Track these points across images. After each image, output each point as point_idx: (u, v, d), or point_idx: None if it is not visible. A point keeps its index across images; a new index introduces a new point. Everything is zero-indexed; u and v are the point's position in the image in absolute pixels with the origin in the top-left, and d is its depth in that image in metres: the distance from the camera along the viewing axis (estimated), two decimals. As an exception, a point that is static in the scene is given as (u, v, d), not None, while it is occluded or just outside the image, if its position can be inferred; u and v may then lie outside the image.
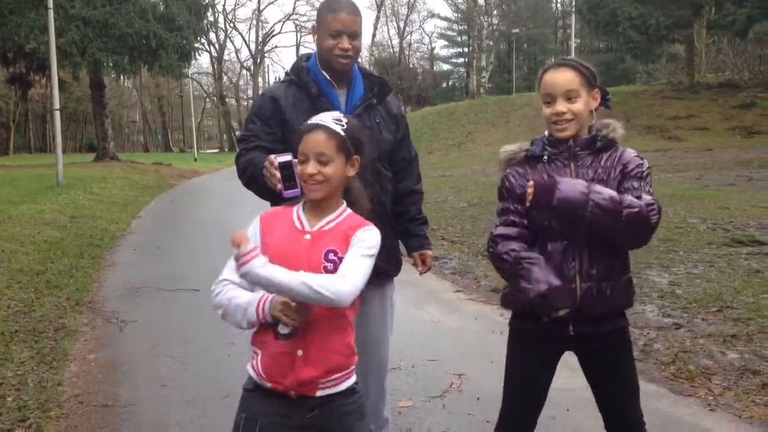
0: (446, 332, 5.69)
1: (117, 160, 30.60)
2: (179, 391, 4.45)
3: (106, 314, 6.37)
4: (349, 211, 2.25)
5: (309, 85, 2.92)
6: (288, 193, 2.39)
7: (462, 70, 70.89)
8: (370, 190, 2.97)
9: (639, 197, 2.32)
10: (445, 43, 74.74)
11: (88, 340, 5.61)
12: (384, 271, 3.07)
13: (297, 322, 2.04)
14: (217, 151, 72.39)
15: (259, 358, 2.14)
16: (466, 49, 66.51)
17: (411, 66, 73.69)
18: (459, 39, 70.19)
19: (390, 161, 3.09)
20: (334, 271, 2.10)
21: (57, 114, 18.69)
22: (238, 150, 3.01)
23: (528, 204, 2.37)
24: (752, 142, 24.14)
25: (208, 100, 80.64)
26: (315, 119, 2.22)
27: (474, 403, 4.12)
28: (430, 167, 22.57)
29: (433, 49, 78.96)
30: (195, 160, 43.77)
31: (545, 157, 2.47)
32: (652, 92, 33.73)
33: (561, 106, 2.40)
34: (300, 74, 2.97)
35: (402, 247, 3.27)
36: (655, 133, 28.05)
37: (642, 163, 2.43)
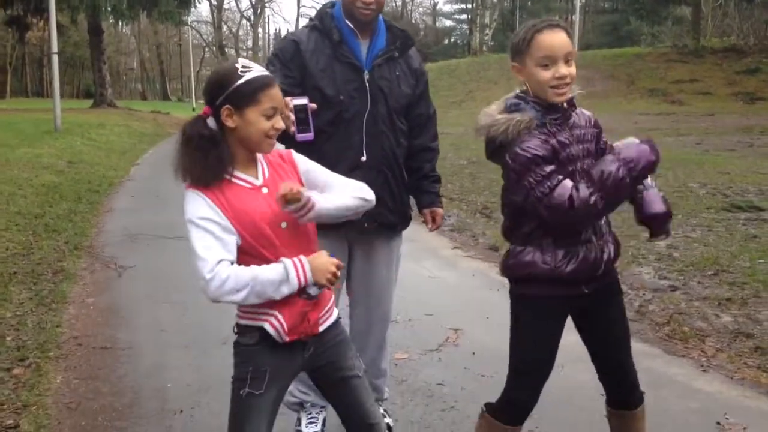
0: (443, 288, 5.73)
1: (114, 107, 30.41)
2: (177, 336, 4.49)
3: (105, 259, 6.39)
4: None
5: (332, 31, 2.88)
6: (301, 137, 2.37)
7: (465, 26, 69.98)
8: (384, 143, 2.96)
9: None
10: (449, -2, 73.77)
11: (86, 284, 5.64)
12: (392, 224, 3.08)
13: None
14: (215, 100, 71.76)
15: (281, 317, 2.08)
16: (469, 6, 65.52)
17: (413, 21, 72.78)
18: (463, -5, 69.22)
19: (407, 116, 3.06)
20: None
21: (55, 58, 18.50)
22: None
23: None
24: (755, 108, 24.07)
25: (207, 49, 79.73)
26: (261, 71, 2.09)
27: (469, 357, 4.17)
28: (430, 124, 22.30)
29: (435, 4, 78.09)
30: (193, 109, 43.45)
31: (548, 123, 2.35)
32: (656, 55, 33.44)
33: (564, 69, 2.30)
34: (324, 20, 2.93)
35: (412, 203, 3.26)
36: (658, 96, 27.91)
37: (596, 118, 2.50)
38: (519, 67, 2.40)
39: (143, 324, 4.74)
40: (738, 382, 3.82)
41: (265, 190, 2.10)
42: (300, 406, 3.22)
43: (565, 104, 2.36)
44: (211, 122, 2.07)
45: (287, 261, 2.02)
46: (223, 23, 73.11)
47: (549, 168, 2.31)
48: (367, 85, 2.89)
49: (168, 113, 32.38)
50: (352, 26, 2.90)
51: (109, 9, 28.60)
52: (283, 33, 78.71)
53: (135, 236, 7.32)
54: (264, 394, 2.13)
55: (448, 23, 75.80)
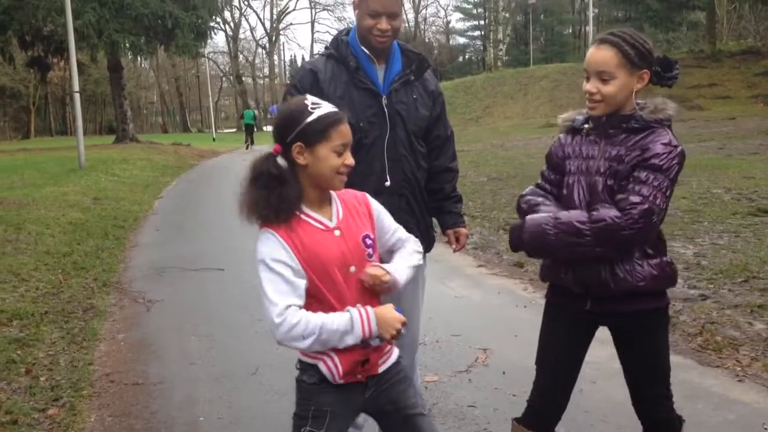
0: (470, 307, 5.71)
1: (137, 142, 30.76)
2: (207, 369, 4.51)
3: (133, 294, 6.45)
4: (333, 192, 2.19)
5: (348, 58, 2.92)
6: None
7: (478, 43, 70.25)
8: (405, 166, 2.98)
9: (622, 199, 2.27)
10: (461, 16, 74.10)
11: (116, 320, 5.69)
12: (417, 247, 3.08)
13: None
14: (234, 130, 72.44)
15: (337, 360, 2.08)
16: (482, 22, 65.76)
17: (427, 40, 73.13)
18: (475, 11, 69.49)
19: (425, 138, 3.08)
20: (373, 255, 2.14)
21: (77, 96, 18.77)
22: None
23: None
24: (776, 110, 23.77)
25: (224, 79, 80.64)
26: (331, 108, 2.10)
27: (500, 377, 4.14)
28: (449, 142, 22.30)
29: (448, 22, 78.44)
30: (213, 139, 43.91)
31: (584, 131, 2.47)
32: (672, 61, 33.23)
33: (590, 85, 2.36)
34: (339, 48, 2.96)
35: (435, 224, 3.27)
36: (677, 102, 27.53)
37: (669, 153, 2.27)
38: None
39: (173, 358, 4.77)
40: (775, 391, 3.76)
41: (337, 232, 2.10)
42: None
43: (604, 118, 2.39)
44: (281, 160, 2.06)
45: (354, 311, 2.01)
46: (239, 53, 73.94)
47: (545, 169, 2.57)
48: (385, 109, 2.91)
49: (189, 144, 32.72)
50: (367, 52, 2.93)
51: (127, 45, 29.05)
52: (299, 59, 79.59)
53: (162, 270, 7.38)
54: None
55: (462, 40, 76.17)
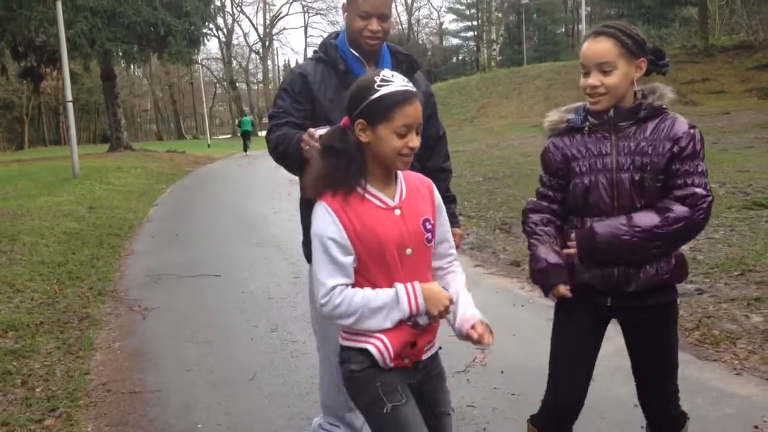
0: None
1: (131, 150, 30.72)
2: (205, 375, 4.49)
3: (129, 302, 6.42)
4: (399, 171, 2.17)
5: (337, 62, 2.92)
6: None
7: (472, 43, 70.33)
8: None
9: (687, 195, 2.27)
10: (454, 17, 73.99)
11: (112, 328, 5.67)
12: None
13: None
14: (229, 136, 72.38)
15: (387, 342, 2.05)
16: (475, 23, 65.89)
17: (420, 42, 73.17)
18: (468, 12, 69.46)
19: None
20: (432, 240, 2.12)
21: (70, 106, 18.75)
22: (269, 126, 3.01)
23: (577, 260, 2.41)
24: (769, 104, 23.81)
25: (218, 85, 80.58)
26: (401, 86, 2.02)
27: (498, 376, 4.12)
28: (444, 143, 22.30)
29: (441, 23, 78.47)
30: (208, 146, 43.83)
31: (586, 128, 2.41)
32: (665, 57, 33.29)
33: (593, 79, 2.32)
34: (328, 51, 2.96)
35: None
36: (670, 98, 27.71)
37: (694, 136, 2.32)
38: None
39: (170, 365, 4.75)
40: (773, 383, 3.75)
41: (398, 212, 2.08)
42: (331, 438, 3.20)
43: (611, 112, 2.35)
44: (351, 134, 2.06)
45: (400, 286, 2.02)
46: (232, 58, 73.90)
47: (546, 177, 2.53)
48: None
49: (183, 152, 32.67)
50: (357, 54, 2.92)
51: (120, 54, 29.04)
52: (293, 64, 79.47)
53: (157, 277, 7.36)
54: (408, 402, 2.08)
55: (455, 41, 76.13)
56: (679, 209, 2.27)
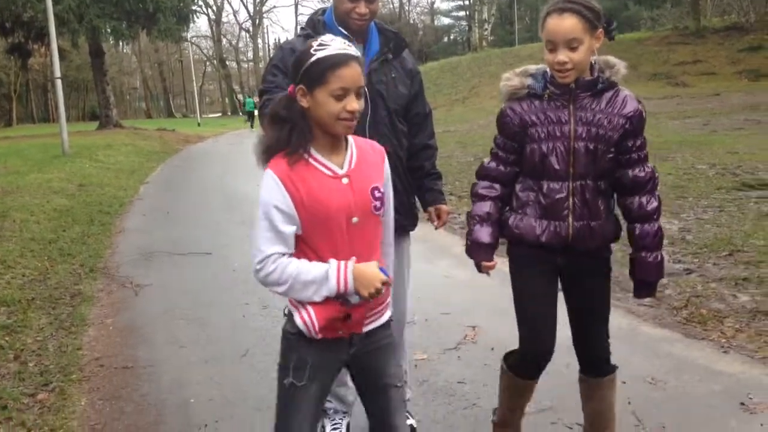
0: (458, 286, 5.73)
1: (121, 128, 30.55)
2: (197, 351, 4.51)
3: (121, 279, 6.43)
4: (349, 135, 2.14)
5: None
6: None
7: (463, 23, 69.97)
8: (388, 145, 2.98)
9: (647, 176, 2.54)
10: (446, -4, 73.67)
11: (104, 305, 5.67)
12: (401, 225, 3.09)
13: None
14: (219, 114, 72.09)
15: (312, 314, 2.05)
16: (466, 2, 65.50)
17: (411, 21, 72.79)
18: (459, -9, 69.12)
19: (405, 116, 3.08)
20: (381, 208, 2.11)
21: (58, 82, 18.58)
22: (261, 102, 3.01)
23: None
24: (760, 86, 23.91)
25: (208, 63, 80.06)
26: (337, 48, 2.00)
27: (488, 353, 4.17)
28: (435, 123, 22.27)
29: (433, 3, 77.94)
30: (198, 124, 43.65)
31: (546, 96, 2.49)
32: (657, 38, 33.30)
33: (562, 55, 2.37)
34: (316, 28, 2.95)
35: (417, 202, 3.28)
36: (662, 79, 27.77)
37: (643, 114, 2.51)
38: (542, 56, 2.51)
39: (162, 341, 4.77)
40: (759, 361, 3.81)
41: (345, 180, 2.05)
42: (323, 412, 3.24)
43: (573, 84, 2.43)
44: (296, 102, 2.04)
45: (333, 263, 2.01)
46: (222, 36, 73.36)
47: (501, 139, 2.63)
48: (365, 89, 2.90)
49: (173, 130, 32.51)
50: (345, 32, 2.92)
51: (108, 30, 28.75)
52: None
53: (149, 254, 7.36)
54: (306, 387, 2.11)
55: (447, 21, 75.76)
56: (646, 196, 2.56)
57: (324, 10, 3.04)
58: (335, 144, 2.08)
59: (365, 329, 2.15)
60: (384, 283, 2.00)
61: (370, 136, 2.91)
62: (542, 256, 2.58)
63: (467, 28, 63.45)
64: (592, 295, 2.66)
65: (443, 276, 5.98)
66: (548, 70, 2.49)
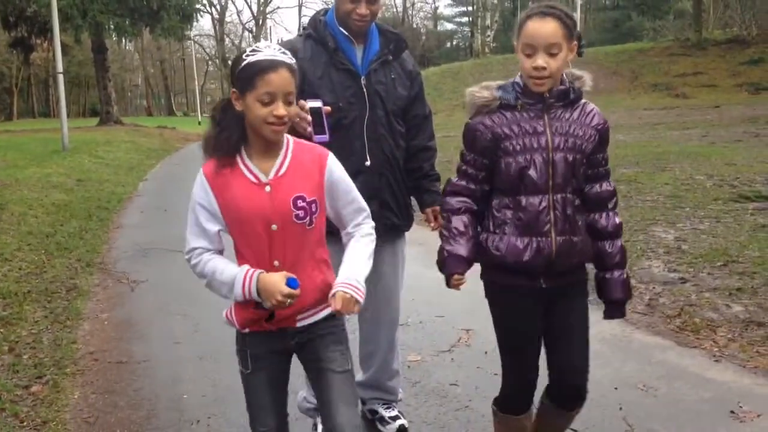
0: (453, 289, 5.74)
1: (121, 124, 30.57)
2: (191, 348, 4.53)
3: (117, 275, 6.44)
4: (292, 140, 2.16)
5: (326, 39, 2.93)
6: (317, 138, 2.45)
7: (466, 29, 69.96)
8: (385, 146, 3.00)
9: (611, 192, 2.51)
10: (449, 2, 73.96)
11: (100, 299, 5.69)
12: (396, 225, 3.11)
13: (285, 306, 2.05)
14: (220, 114, 71.84)
15: (233, 310, 2.19)
16: (470, 8, 65.56)
17: (414, 26, 72.81)
18: (463, -3, 69.19)
19: (404, 117, 3.10)
20: (305, 218, 2.08)
21: (60, 77, 18.59)
22: None
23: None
24: (760, 99, 24.00)
25: (210, 62, 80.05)
26: (267, 54, 2.02)
27: (482, 356, 4.18)
28: (435, 127, 22.26)
29: (436, 8, 78.13)
30: (199, 123, 43.61)
31: (519, 106, 2.38)
32: (659, 49, 33.39)
33: (542, 60, 2.28)
34: (318, 28, 2.97)
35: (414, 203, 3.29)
36: (662, 90, 27.87)
37: (608, 126, 2.48)
38: (516, 48, 2.38)
39: (157, 337, 4.78)
40: (750, 370, 3.83)
41: (268, 188, 2.07)
42: (315, 411, 3.25)
43: (547, 93, 2.35)
44: (228, 105, 2.10)
45: (241, 271, 2.06)
46: (225, 36, 73.35)
47: (470, 156, 2.48)
48: (364, 90, 2.93)
49: (174, 128, 32.54)
50: (346, 33, 2.94)
51: (112, 27, 28.83)
52: (285, 43, 78.83)
53: (146, 251, 7.38)
54: (253, 374, 2.22)
55: (450, 26, 75.77)
56: (617, 220, 2.52)
57: (326, 11, 3.06)
58: (269, 148, 2.10)
59: (299, 324, 2.18)
60: (288, 296, 2.00)
61: (367, 137, 2.94)
62: (524, 284, 2.45)
63: (470, 34, 63.49)
64: (573, 316, 2.52)
65: (438, 278, 5.97)
66: (518, 80, 2.41)
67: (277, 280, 2.01)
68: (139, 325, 5.03)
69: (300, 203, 2.08)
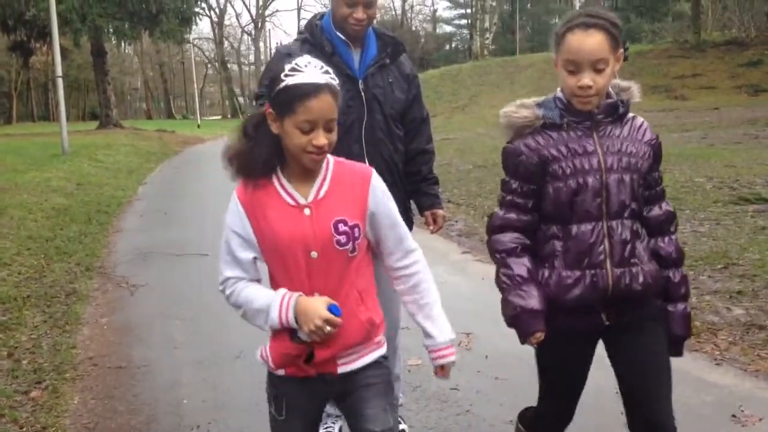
0: (454, 292, 5.73)
1: (120, 128, 30.55)
2: (191, 352, 4.52)
3: (117, 279, 6.43)
4: (332, 159, 1.99)
5: (323, 43, 2.92)
6: None
7: (465, 31, 70.02)
8: (383, 150, 3.00)
9: (668, 206, 2.27)
10: (448, 4, 74.05)
11: (99, 304, 5.68)
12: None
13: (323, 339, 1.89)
14: (219, 117, 72.02)
15: (268, 349, 2.01)
16: (468, 11, 65.56)
17: (413, 29, 72.95)
18: (462, 0, 69.28)
19: (402, 121, 3.10)
20: (347, 243, 1.92)
21: (60, 81, 18.56)
22: (258, 105, 3.02)
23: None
24: (759, 101, 23.97)
25: (209, 65, 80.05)
26: (310, 77, 1.84)
27: (482, 360, 4.18)
28: (434, 130, 22.23)
29: (435, 11, 78.34)
30: (198, 126, 43.62)
31: (565, 125, 2.15)
32: (657, 51, 33.38)
33: (588, 78, 2.05)
34: (314, 33, 2.96)
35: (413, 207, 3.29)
36: (661, 92, 27.83)
37: (660, 142, 2.25)
38: (555, 62, 2.16)
39: (157, 342, 4.77)
40: (752, 374, 3.82)
41: (307, 211, 1.91)
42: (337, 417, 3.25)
43: (595, 109, 2.14)
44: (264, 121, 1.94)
45: (278, 294, 1.91)
46: (224, 39, 73.38)
47: (516, 183, 2.21)
48: (362, 94, 2.93)
49: (173, 131, 32.51)
50: (343, 37, 2.93)
51: (111, 30, 28.86)
52: (284, 46, 78.89)
53: (145, 255, 7.36)
54: (287, 422, 2.03)
55: (449, 29, 75.87)
56: (678, 246, 2.27)
57: (322, 15, 3.05)
58: (307, 171, 1.94)
59: (341, 370, 1.99)
60: (329, 323, 1.83)
61: (365, 141, 2.94)
62: (577, 323, 2.20)
63: (469, 37, 63.51)
64: (647, 351, 2.22)
65: (439, 282, 5.94)
66: (560, 95, 2.18)
67: (318, 305, 1.85)
68: (138, 330, 5.02)
69: (342, 227, 1.91)
